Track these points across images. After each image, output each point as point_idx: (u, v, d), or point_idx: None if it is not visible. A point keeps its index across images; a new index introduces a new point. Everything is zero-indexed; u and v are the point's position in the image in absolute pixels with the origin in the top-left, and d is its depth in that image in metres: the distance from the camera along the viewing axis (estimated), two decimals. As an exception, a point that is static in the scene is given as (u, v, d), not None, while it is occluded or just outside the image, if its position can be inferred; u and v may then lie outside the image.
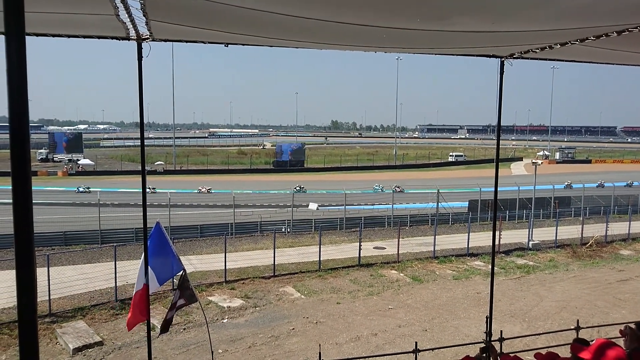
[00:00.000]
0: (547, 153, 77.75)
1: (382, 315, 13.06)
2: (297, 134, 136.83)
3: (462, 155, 75.22)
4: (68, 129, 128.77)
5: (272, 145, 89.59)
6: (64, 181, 45.92)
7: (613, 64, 4.31)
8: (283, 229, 23.27)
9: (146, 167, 4.61)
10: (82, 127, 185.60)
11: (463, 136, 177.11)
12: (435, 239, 19.36)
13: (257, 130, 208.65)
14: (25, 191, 1.21)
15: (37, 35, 3.21)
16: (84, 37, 3.38)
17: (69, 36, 3.36)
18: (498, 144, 5.34)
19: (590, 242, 20.93)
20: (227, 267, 15.91)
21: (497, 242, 19.02)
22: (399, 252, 18.59)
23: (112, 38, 3.40)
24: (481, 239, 20.54)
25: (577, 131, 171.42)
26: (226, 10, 2.58)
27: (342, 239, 21.94)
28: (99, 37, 3.39)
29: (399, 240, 19.05)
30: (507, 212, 26.60)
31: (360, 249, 18.02)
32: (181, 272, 6.63)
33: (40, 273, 12.06)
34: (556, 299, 14.33)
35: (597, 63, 4.38)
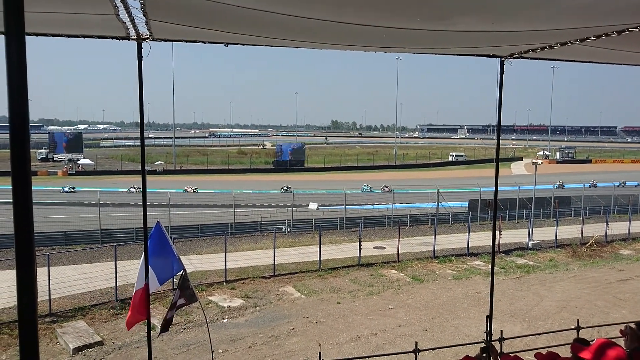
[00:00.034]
0: (547, 153, 77.74)
1: (382, 315, 13.06)
2: (297, 133, 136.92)
3: (462, 155, 75.22)
4: (68, 129, 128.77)
5: (272, 145, 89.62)
6: (64, 181, 45.92)
7: (613, 63, 4.31)
8: (283, 229, 23.28)
9: (146, 167, 4.60)
10: (82, 127, 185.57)
11: (463, 136, 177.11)
12: (435, 238, 19.36)
13: (257, 130, 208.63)
14: (26, 191, 1.21)
15: (37, 35, 3.21)
16: (84, 36, 3.38)
17: (69, 36, 3.36)
18: (498, 144, 5.34)
19: (590, 242, 20.93)
20: (227, 267, 15.91)
21: (497, 242, 19.02)
22: (399, 251, 18.60)
23: (112, 38, 3.40)
24: (481, 238, 20.54)
25: (577, 131, 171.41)
26: (226, 10, 2.58)
27: (342, 238, 21.95)
28: (99, 37, 3.39)
29: (399, 240, 19.05)
30: (507, 211, 26.60)
31: (360, 249, 18.03)
32: (181, 271, 6.63)
33: (41, 273, 12.05)
34: (556, 299, 14.33)
35: (597, 63, 4.38)
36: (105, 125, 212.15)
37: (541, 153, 75.50)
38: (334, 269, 17.16)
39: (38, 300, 1.28)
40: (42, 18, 2.77)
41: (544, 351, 3.69)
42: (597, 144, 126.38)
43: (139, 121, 4.13)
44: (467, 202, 28.94)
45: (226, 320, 12.82)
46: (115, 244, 16.09)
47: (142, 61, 3.75)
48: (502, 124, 4.93)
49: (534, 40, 3.47)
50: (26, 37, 1.22)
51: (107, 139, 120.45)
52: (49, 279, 12.81)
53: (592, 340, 3.06)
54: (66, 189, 37.09)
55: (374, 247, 20.18)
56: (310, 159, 67.00)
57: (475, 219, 25.73)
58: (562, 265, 18.23)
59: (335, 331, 11.96)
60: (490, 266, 5.58)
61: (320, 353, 5.85)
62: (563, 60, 4.40)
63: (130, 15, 2.79)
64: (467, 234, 19.95)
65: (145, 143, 4.40)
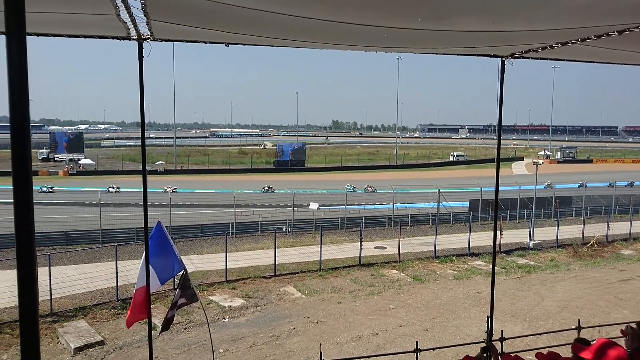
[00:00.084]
0: (548, 153, 77.70)
1: (383, 314, 13.06)
2: (298, 133, 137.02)
3: (463, 155, 75.19)
4: (69, 129, 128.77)
5: (272, 145, 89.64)
6: (64, 181, 45.98)
7: (614, 63, 4.31)
8: (284, 229, 23.28)
9: (147, 167, 4.61)
10: (83, 126, 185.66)
11: (464, 136, 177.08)
12: (436, 238, 19.36)
13: (257, 130, 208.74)
14: (26, 191, 1.21)
15: (38, 35, 3.21)
16: (85, 37, 3.39)
17: (69, 36, 3.37)
18: (499, 144, 5.34)
19: (592, 242, 20.91)
20: (228, 267, 15.92)
21: (498, 242, 19.01)
22: (400, 251, 18.59)
23: (113, 38, 3.41)
24: (482, 238, 20.53)
25: (578, 131, 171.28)
26: (227, 10, 2.58)
27: (343, 238, 21.95)
28: (99, 37, 3.39)
29: (399, 240, 19.04)
30: (508, 211, 26.58)
31: (361, 249, 18.02)
32: (182, 271, 6.64)
33: (42, 273, 12.06)
34: (557, 299, 14.32)
35: (598, 63, 4.38)
36: (106, 125, 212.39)
37: (542, 153, 75.45)
38: (335, 269, 17.16)
39: (39, 299, 1.28)
40: (43, 18, 2.78)
41: (544, 351, 3.68)
42: (598, 143, 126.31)
43: (139, 121, 4.13)
44: (468, 202, 28.93)
45: (227, 320, 12.83)
46: (116, 244, 16.11)
47: (143, 61, 3.75)
48: (503, 123, 4.93)
49: (534, 40, 3.47)
50: (27, 37, 1.22)
51: (108, 138, 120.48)
52: (50, 279, 12.82)
53: (593, 340, 3.06)
54: (44, 189, 36.75)
55: (374, 247, 20.18)
56: (311, 158, 67.01)
57: (476, 219, 25.72)
58: (563, 265, 18.21)
59: (336, 331, 11.96)
60: (491, 266, 5.58)
61: (321, 353, 5.85)
62: (564, 60, 4.40)
63: (131, 15, 2.79)
64: (468, 234, 19.94)
65: (146, 143, 4.40)
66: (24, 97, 1.20)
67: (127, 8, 2.64)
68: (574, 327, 6.61)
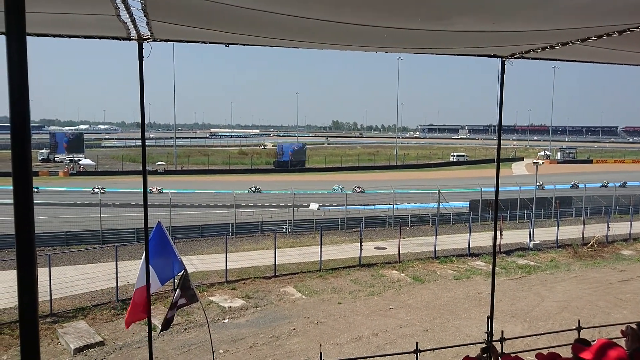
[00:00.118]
0: (548, 153, 77.69)
1: (383, 315, 13.06)
2: (298, 134, 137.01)
3: (463, 155, 75.18)
4: (69, 129, 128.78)
5: (273, 146, 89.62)
6: (65, 181, 45.99)
7: (614, 63, 4.31)
8: (284, 229, 23.28)
9: (147, 168, 4.61)
10: (83, 127, 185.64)
11: (464, 136, 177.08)
12: (436, 239, 19.35)
13: (258, 131, 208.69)
14: (27, 191, 1.21)
15: (38, 35, 3.21)
16: (85, 37, 3.39)
17: (69, 36, 3.37)
18: (499, 144, 5.34)
19: (592, 242, 20.90)
20: (228, 267, 15.92)
21: (498, 242, 19.01)
22: (400, 252, 18.59)
23: (113, 38, 3.41)
24: (482, 239, 20.53)
25: (578, 131, 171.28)
26: (226, 10, 2.59)
27: (343, 239, 21.94)
28: (99, 37, 3.39)
29: (399, 241, 19.04)
30: (508, 212, 26.58)
31: (361, 249, 18.02)
32: (182, 272, 6.64)
33: (42, 273, 12.07)
34: (557, 299, 14.32)
35: (599, 63, 4.38)
36: (106, 126, 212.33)
37: (542, 153, 75.47)
38: (335, 270, 17.16)
39: (39, 300, 1.28)
40: (43, 18, 2.78)
41: (545, 351, 3.68)
42: (598, 144, 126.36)
43: (140, 121, 4.13)
44: (468, 202, 28.91)
45: (227, 320, 12.82)
46: (116, 244, 16.10)
47: (143, 61, 3.76)
48: (503, 124, 4.93)
49: (534, 40, 3.47)
50: (27, 37, 1.23)
51: (108, 139, 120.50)
52: (50, 279, 12.82)
53: (593, 341, 3.06)
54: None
55: (374, 248, 20.17)
56: (311, 159, 67.00)
57: (476, 219, 25.72)
58: (563, 266, 18.21)
59: (336, 331, 11.96)
60: (491, 266, 5.57)
61: (321, 353, 5.85)
62: (564, 61, 4.40)
63: (131, 15, 2.79)
64: (468, 234, 19.94)
65: (146, 143, 4.40)
66: (24, 97, 1.20)
67: (127, 8, 2.64)
68: (574, 327, 6.61)
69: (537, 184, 36.41)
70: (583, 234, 21.41)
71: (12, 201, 1.21)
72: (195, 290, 6.88)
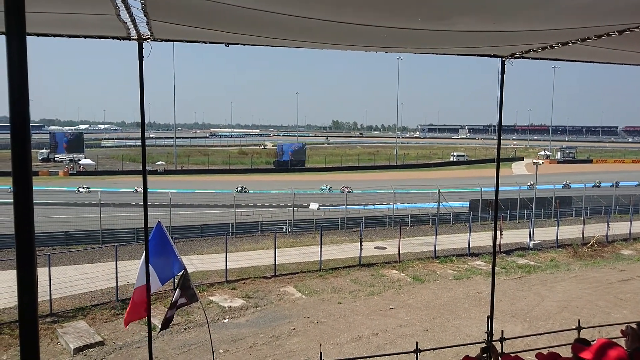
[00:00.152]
0: (548, 153, 77.67)
1: (383, 315, 13.06)
2: (298, 133, 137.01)
3: (464, 155, 75.16)
4: (69, 129, 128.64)
5: (273, 145, 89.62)
6: (65, 181, 45.97)
7: (614, 63, 4.31)
8: (284, 229, 23.28)
9: (147, 167, 4.60)
10: (83, 127, 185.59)
11: (464, 136, 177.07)
12: (436, 238, 19.35)
13: (258, 130, 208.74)
14: (26, 191, 1.21)
15: (38, 35, 3.21)
16: (85, 37, 3.38)
17: (69, 36, 3.36)
18: (499, 144, 5.34)
19: (592, 242, 20.91)
20: (228, 267, 15.91)
21: (498, 242, 19.00)
22: (400, 252, 18.59)
23: (113, 38, 3.40)
24: (482, 238, 20.53)
25: (578, 131, 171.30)
26: (227, 10, 2.58)
27: (343, 238, 21.94)
28: (99, 37, 3.39)
29: (399, 240, 19.04)
30: (508, 212, 26.58)
31: (361, 249, 18.02)
32: (182, 271, 6.65)
33: (42, 273, 12.07)
34: (557, 299, 14.32)
35: (599, 63, 4.37)
36: (106, 126, 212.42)
37: (542, 153, 75.42)
38: (335, 269, 17.16)
39: (39, 300, 1.28)
40: (43, 18, 2.78)
41: (545, 351, 3.68)
42: (598, 144, 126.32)
43: (140, 121, 4.13)
44: (468, 202, 28.92)
45: (227, 320, 12.82)
46: (116, 244, 16.10)
47: (143, 61, 3.75)
48: (503, 124, 4.93)
49: (534, 40, 3.47)
50: (27, 37, 1.22)
51: (108, 139, 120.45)
52: (49, 279, 12.82)
53: (593, 341, 3.06)
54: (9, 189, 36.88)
55: (374, 247, 20.17)
56: (311, 159, 66.99)
57: (476, 219, 25.72)
58: (563, 266, 18.21)
59: (336, 331, 11.96)
60: (491, 266, 5.57)
61: (321, 353, 5.85)
62: (564, 60, 4.40)
63: (131, 15, 2.79)
64: (468, 234, 19.94)
65: (146, 143, 4.40)
66: (24, 97, 1.20)
67: (127, 8, 2.64)
68: (574, 327, 6.61)
69: (528, 184, 36.55)
70: (583, 233, 21.41)
71: (12, 201, 1.21)
72: (195, 290, 6.88)
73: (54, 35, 3.28)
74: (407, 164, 67.85)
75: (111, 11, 2.63)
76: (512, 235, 21.63)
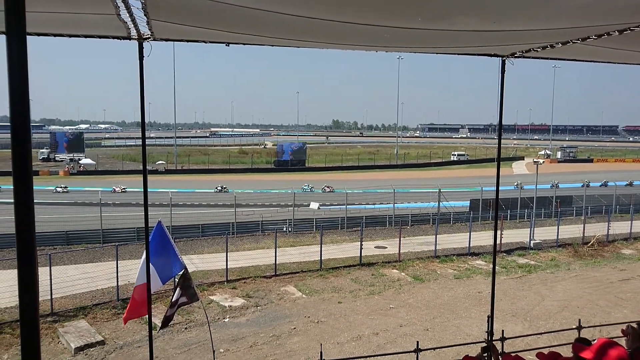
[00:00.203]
0: (548, 152, 77.57)
1: (383, 314, 13.06)
2: (298, 133, 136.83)
3: (464, 155, 75.13)
4: (69, 129, 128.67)
5: (273, 145, 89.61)
6: (65, 181, 45.97)
7: (615, 63, 4.31)
8: (284, 229, 23.29)
9: (147, 167, 4.60)
10: (83, 126, 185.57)
11: (464, 135, 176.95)
12: (436, 238, 19.36)
13: (258, 130, 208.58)
14: (27, 191, 1.21)
15: (38, 34, 3.21)
16: (85, 36, 3.38)
17: (70, 36, 3.36)
18: (499, 143, 5.33)
19: (592, 242, 20.90)
20: (228, 267, 15.92)
21: (498, 242, 19.00)
22: (400, 251, 18.59)
23: (113, 38, 3.40)
24: (482, 238, 20.53)
25: (579, 130, 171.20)
26: (227, 9, 2.58)
27: (343, 238, 21.95)
28: (100, 37, 3.39)
29: (400, 240, 19.04)
30: (509, 211, 26.59)
31: (361, 248, 18.02)
32: (182, 271, 6.65)
33: (42, 272, 12.07)
34: (558, 299, 14.31)
35: (599, 62, 4.37)
36: (106, 125, 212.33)
37: (542, 152, 75.34)
38: (335, 269, 17.16)
39: (40, 299, 1.28)
40: (43, 18, 2.78)
41: (545, 351, 3.68)
42: (599, 143, 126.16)
43: (140, 121, 4.13)
44: (469, 201, 28.93)
45: (227, 319, 12.83)
46: (116, 244, 16.12)
47: (144, 61, 3.75)
48: (503, 123, 4.92)
49: (535, 39, 3.46)
50: (27, 37, 1.23)
51: (108, 138, 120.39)
52: (50, 279, 12.83)
53: (594, 340, 3.06)
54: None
55: (375, 247, 20.18)
56: (311, 158, 66.98)
57: (477, 219, 25.72)
58: (563, 265, 18.21)
59: (337, 331, 11.96)
60: (491, 266, 5.57)
61: (321, 352, 5.85)
62: (564, 60, 4.40)
63: (131, 15, 2.79)
64: (468, 233, 19.94)
65: (146, 143, 4.40)
66: (24, 97, 1.20)
67: (128, 8, 2.64)
68: (574, 326, 6.61)
69: (515, 184, 36.64)
70: (583, 233, 21.41)
71: (12, 201, 1.21)
72: (195, 289, 6.88)
73: (55, 35, 3.28)
74: (408, 164, 67.84)
75: (111, 11, 2.63)
76: (513, 235, 21.64)
